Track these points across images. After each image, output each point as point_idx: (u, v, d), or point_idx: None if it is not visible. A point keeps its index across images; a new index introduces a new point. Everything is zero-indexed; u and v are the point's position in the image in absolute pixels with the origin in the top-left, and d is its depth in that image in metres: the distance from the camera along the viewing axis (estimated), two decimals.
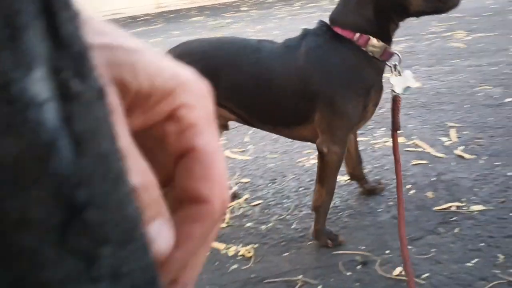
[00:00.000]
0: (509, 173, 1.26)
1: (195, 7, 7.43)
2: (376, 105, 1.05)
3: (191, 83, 0.20)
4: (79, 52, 0.22)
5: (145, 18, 6.83)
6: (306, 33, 1.04)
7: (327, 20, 1.04)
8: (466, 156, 1.39)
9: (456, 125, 1.64)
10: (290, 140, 1.70)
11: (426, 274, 0.92)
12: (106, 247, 0.20)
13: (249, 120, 1.08)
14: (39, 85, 0.19)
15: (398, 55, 1.02)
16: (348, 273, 0.96)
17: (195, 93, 0.20)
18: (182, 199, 0.19)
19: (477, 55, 2.50)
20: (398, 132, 1.02)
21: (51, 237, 0.19)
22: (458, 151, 1.43)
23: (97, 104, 0.23)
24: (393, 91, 1.03)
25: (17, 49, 0.19)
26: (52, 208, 0.19)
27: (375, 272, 0.95)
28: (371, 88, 1.01)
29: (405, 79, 1.03)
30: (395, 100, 1.03)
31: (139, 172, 0.18)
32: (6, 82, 0.17)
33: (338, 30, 1.00)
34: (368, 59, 0.99)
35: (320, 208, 1.07)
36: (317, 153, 1.55)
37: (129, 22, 6.62)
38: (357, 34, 0.98)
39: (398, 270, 0.94)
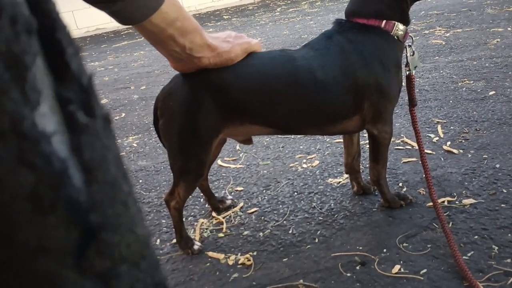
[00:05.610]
0: (497, 165, 1.29)
1: None
2: (402, 83, 1.12)
3: None
4: (86, 84, 0.23)
5: (127, 32, 6.82)
6: (329, 34, 1.05)
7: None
8: (454, 151, 1.42)
9: (442, 121, 1.67)
10: (282, 145, 1.72)
11: (424, 270, 0.94)
12: (122, 266, 0.20)
13: (289, 129, 1.08)
14: (46, 119, 0.20)
15: (411, 36, 1.10)
16: (348, 274, 0.97)
17: None
18: None
19: (458, 50, 2.55)
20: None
21: (70, 261, 0.20)
22: (446, 146, 1.46)
23: (103, 133, 0.24)
24: (408, 69, 1.12)
25: (24, 87, 0.20)
26: (68, 233, 0.20)
27: (374, 272, 0.96)
28: (401, 68, 1.09)
29: (415, 58, 1.11)
30: (410, 78, 1.12)
31: None
32: (17, 118, 0.18)
33: (363, 21, 1.04)
34: (395, 42, 1.06)
35: (380, 181, 1.15)
36: (309, 157, 1.58)
37: (112, 37, 6.60)
38: (384, 21, 1.04)
39: (397, 267, 0.96)
